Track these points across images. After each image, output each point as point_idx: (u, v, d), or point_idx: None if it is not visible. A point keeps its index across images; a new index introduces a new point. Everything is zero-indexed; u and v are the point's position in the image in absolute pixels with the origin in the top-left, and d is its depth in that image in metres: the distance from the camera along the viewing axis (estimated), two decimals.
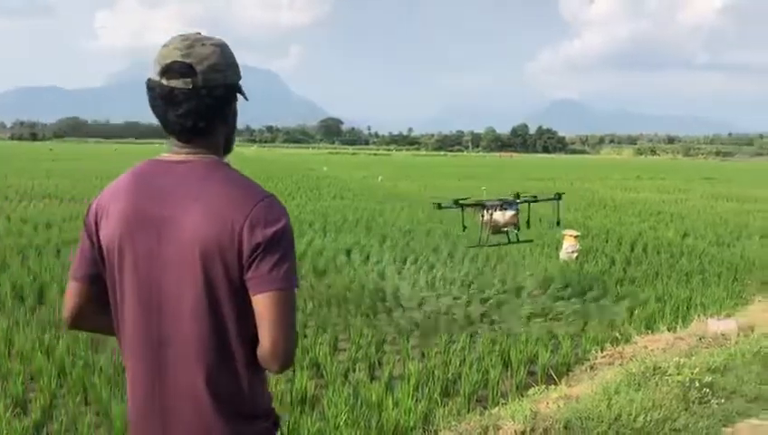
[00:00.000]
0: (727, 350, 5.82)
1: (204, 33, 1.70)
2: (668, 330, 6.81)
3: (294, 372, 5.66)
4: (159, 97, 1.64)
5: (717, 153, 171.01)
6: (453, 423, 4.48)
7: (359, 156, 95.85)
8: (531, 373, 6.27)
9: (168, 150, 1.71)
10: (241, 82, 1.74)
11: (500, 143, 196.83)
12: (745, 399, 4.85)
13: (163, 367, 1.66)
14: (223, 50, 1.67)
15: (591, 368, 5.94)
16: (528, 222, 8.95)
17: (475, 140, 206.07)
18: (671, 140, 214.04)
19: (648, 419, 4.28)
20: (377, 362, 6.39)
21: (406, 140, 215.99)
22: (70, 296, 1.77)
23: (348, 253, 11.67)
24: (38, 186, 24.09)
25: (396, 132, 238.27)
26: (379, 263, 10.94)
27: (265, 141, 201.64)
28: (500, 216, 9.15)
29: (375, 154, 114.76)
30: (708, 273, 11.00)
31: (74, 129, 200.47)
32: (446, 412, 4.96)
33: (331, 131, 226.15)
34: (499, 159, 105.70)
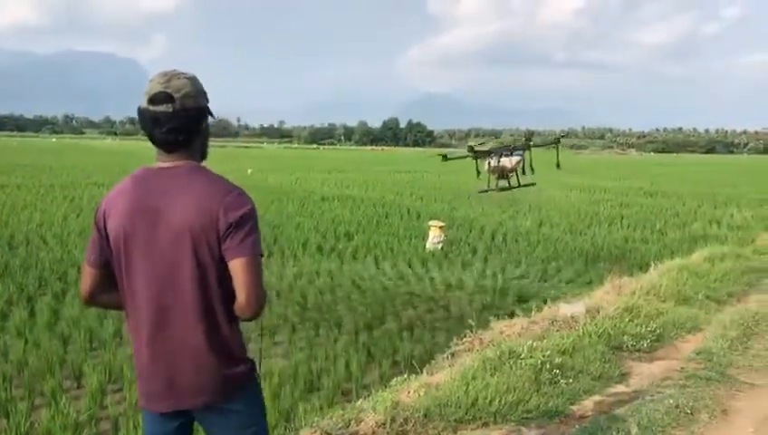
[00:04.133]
0: (576, 332, 6.16)
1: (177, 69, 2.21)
2: (524, 315, 7.12)
3: None
4: (148, 119, 2.13)
5: (572, 146, 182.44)
6: (315, 419, 4.41)
7: (227, 148, 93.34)
8: (395, 364, 6.35)
9: (157, 160, 2.19)
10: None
11: (372, 137, 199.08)
12: (591, 377, 5.14)
13: (164, 322, 2.14)
14: (193, 81, 2.18)
15: (452, 355, 6.08)
16: (531, 166, 9.06)
17: (348, 134, 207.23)
18: (531, 134, 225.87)
19: (503, 402, 4.42)
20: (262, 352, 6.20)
21: (278, 133, 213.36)
22: (85, 278, 2.27)
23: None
24: None
25: (267, 124, 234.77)
26: None
27: (128, 134, 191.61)
28: (507, 161, 9.23)
29: (246, 147, 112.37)
30: (562, 259, 11.67)
31: None
32: (309, 409, 4.90)
33: None
34: (371, 152, 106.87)
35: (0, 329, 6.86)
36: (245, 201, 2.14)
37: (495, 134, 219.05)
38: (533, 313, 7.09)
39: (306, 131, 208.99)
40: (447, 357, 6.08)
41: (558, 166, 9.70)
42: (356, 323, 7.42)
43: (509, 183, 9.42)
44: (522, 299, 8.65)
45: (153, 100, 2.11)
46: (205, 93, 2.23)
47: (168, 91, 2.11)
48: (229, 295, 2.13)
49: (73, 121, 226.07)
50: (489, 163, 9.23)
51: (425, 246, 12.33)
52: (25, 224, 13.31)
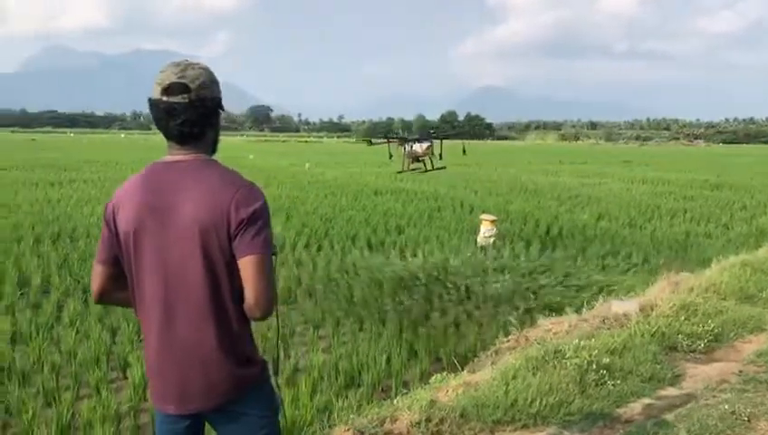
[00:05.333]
0: (627, 331, 5.90)
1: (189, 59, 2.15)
2: (574, 312, 6.88)
3: None
4: (162, 111, 2.06)
5: (637, 138, 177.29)
6: (351, 417, 4.35)
7: (288, 143, 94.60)
8: (438, 360, 6.23)
9: (168, 153, 2.13)
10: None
11: (430, 130, 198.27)
12: (641, 378, 4.90)
13: (172, 320, 2.09)
14: (208, 72, 2.12)
15: (496, 353, 5.92)
16: (440, 154, 10.30)
17: (406, 128, 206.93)
18: (594, 126, 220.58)
19: (544, 403, 4.26)
20: (282, 354, 6.20)
21: (337, 128, 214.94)
22: (95, 276, 2.22)
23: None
24: None
25: (326, 119, 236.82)
26: (294, 251, 10.72)
27: None
28: (418, 147, 10.90)
29: (305, 141, 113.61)
30: (619, 254, 11.27)
31: None
32: (346, 405, 4.83)
33: (261, 119, 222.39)
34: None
35: (55, 319, 7.05)
36: (257, 196, 2.09)
37: (556, 126, 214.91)
38: (584, 310, 6.85)
39: (364, 126, 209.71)
40: (491, 355, 5.94)
41: (440, 157, 10.70)
42: (401, 318, 7.32)
43: (424, 166, 10.81)
44: (572, 296, 8.36)
45: (168, 90, 2.05)
46: (218, 84, 2.18)
47: (184, 81, 2.05)
48: (241, 294, 2.08)
49: (141, 118, 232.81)
50: (404, 149, 10.71)
51: (476, 240, 12.12)
52: (87, 217, 13.71)
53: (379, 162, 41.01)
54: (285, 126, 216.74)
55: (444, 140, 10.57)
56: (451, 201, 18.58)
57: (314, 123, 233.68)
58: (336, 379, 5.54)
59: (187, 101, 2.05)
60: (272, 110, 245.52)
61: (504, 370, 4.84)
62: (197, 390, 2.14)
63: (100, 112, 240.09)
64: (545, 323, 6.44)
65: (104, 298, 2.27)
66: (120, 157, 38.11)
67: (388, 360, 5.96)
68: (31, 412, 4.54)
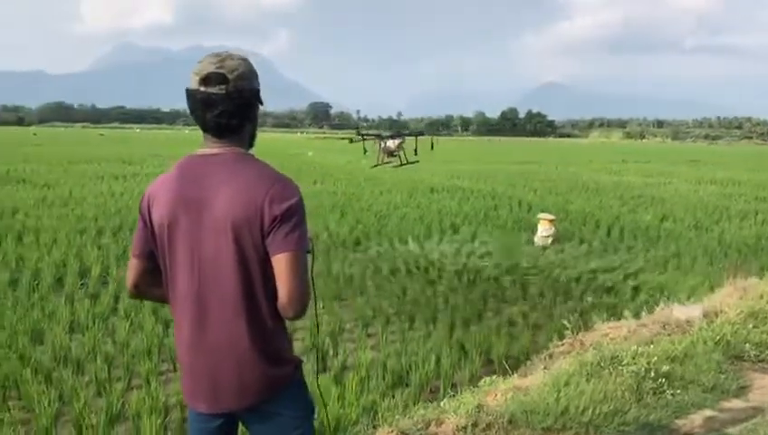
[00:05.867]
0: (690, 337, 5.61)
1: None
2: (633, 317, 6.61)
3: None
4: (200, 101, 2.01)
5: (706, 137, 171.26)
6: (396, 417, 4.25)
7: (347, 140, 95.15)
8: (489, 362, 6.08)
9: (203, 145, 2.09)
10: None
11: (489, 127, 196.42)
12: (702, 389, 4.64)
13: (205, 318, 2.04)
14: (247, 63, 2.06)
15: (549, 357, 5.72)
16: (415, 150, 11.12)
17: (465, 124, 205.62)
18: (660, 124, 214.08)
19: (597, 412, 4.06)
20: (331, 351, 6.15)
21: (395, 125, 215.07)
22: (130, 270, 2.18)
23: (316, 238, 11.41)
24: (13, 171, 23.62)
25: (385, 116, 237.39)
26: (347, 247, 10.70)
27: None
28: (391, 143, 11.70)
29: None
30: (684, 257, 10.83)
31: (59, 114, 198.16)
32: (392, 405, 4.74)
33: (320, 116, 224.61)
34: (488, 143, 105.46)
35: (111, 310, 7.20)
36: (292, 192, 2.02)
37: (621, 124, 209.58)
38: (643, 314, 6.57)
39: (422, 123, 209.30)
40: (544, 359, 5.75)
41: (415, 152, 11.34)
42: (452, 317, 7.18)
43: (399, 160, 11.54)
44: (632, 300, 8.05)
45: (206, 80, 1.99)
46: (257, 76, 2.12)
47: (222, 71, 1.99)
48: (275, 292, 2.01)
49: None
50: (380, 145, 11.55)
51: (533, 240, 11.86)
52: None
53: (436, 159, 40.81)
54: (344, 123, 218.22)
55: (418, 137, 11.55)
56: (509, 200, 18.28)
57: (372, 120, 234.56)
58: (383, 378, 5.45)
59: (224, 92, 1.99)
60: (331, 107, 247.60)
61: (556, 375, 4.66)
62: (229, 389, 2.08)
63: (165, 108, 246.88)
64: (602, 328, 6.20)
65: (139, 293, 2.23)
66: (182, 151, 38.95)
67: (438, 360, 5.84)
68: (83, 401, 4.62)
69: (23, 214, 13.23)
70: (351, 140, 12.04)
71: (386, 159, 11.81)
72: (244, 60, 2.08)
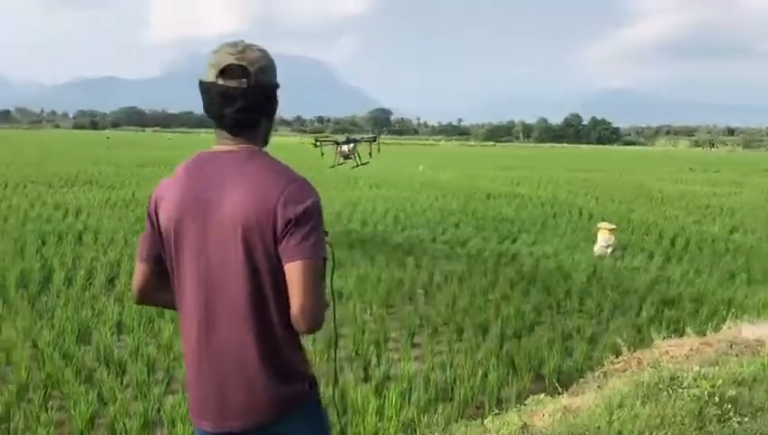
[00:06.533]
0: (760, 359, 5.19)
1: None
2: (696, 334, 6.19)
3: None
4: (216, 95, 1.85)
5: None
6: (435, 434, 4.05)
7: (405, 146, 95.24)
8: (539, 378, 5.78)
9: (216, 143, 1.94)
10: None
11: (552, 134, 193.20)
12: None
13: (211, 328, 1.88)
14: (267, 55, 1.91)
15: (604, 375, 5.39)
16: (370, 153, 12.27)
17: (527, 131, 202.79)
18: (731, 132, 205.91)
19: None
20: (374, 361, 5.97)
21: (455, 131, 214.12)
22: (137, 275, 2.03)
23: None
24: (83, 172, 24.39)
25: (445, 122, 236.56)
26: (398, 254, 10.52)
27: (315, 132, 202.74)
28: (346, 148, 13.25)
29: (423, 144, 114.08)
30: (754, 271, 10.21)
31: (131, 118, 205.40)
32: (433, 422, 4.52)
33: (380, 122, 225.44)
34: (550, 149, 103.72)
35: (158, 312, 7.20)
36: (309, 193, 1.86)
37: (689, 132, 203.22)
38: (708, 331, 6.15)
39: (483, 129, 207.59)
40: (598, 377, 5.42)
41: (370, 155, 12.68)
42: (503, 329, 6.90)
43: (356, 162, 12.80)
44: (695, 316, 7.58)
45: (225, 72, 1.84)
46: (275, 69, 1.96)
47: (243, 63, 1.84)
48: (287, 302, 1.85)
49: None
50: (337, 148, 13.03)
51: (593, 249, 11.41)
52: None
53: (497, 165, 40.27)
54: (404, 129, 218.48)
55: (372, 142, 13.03)
56: (568, 207, 17.76)
57: (433, 126, 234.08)
58: (426, 391, 5.23)
59: (245, 85, 1.84)
60: (391, 113, 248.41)
61: (609, 396, 4.35)
62: (237, 406, 1.92)
63: None
64: (662, 345, 5.82)
65: (145, 299, 2.09)
66: None
67: (485, 374, 5.59)
68: (119, 403, 4.57)
69: (86, 214, 13.57)
70: (316, 145, 13.37)
71: (341, 161, 13.31)
72: (264, 51, 1.93)
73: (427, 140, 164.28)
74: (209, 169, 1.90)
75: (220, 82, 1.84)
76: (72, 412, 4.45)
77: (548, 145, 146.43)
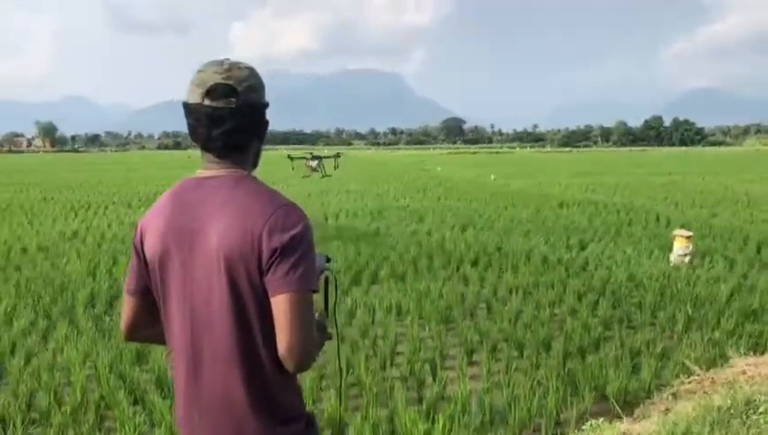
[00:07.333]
0: None
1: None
2: None
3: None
4: (203, 117, 1.75)
5: None
6: None
7: (479, 155, 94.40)
8: (603, 399, 5.42)
9: (201, 167, 1.84)
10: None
11: (632, 137, 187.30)
12: None
13: (198, 368, 1.77)
14: (255, 73, 1.81)
15: (673, 396, 5.00)
16: (335, 167, 16.66)
17: (605, 135, 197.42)
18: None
19: None
20: (428, 380, 5.77)
21: (530, 137, 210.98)
22: (125, 310, 1.94)
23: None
24: (161, 192, 25.26)
25: (520, 129, 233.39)
26: (462, 267, 10.27)
27: (389, 144, 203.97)
28: (312, 162, 19.43)
29: (497, 152, 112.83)
30: None
31: None
32: None
33: (453, 131, 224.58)
34: (629, 153, 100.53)
35: None
36: (296, 220, 1.73)
37: None
38: None
39: (560, 134, 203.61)
40: (666, 398, 5.04)
41: (335, 168, 16.55)
42: (567, 345, 6.56)
43: (321, 174, 15.39)
44: None
45: (211, 93, 1.74)
46: (264, 88, 1.87)
47: (230, 82, 1.74)
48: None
49: (343, 134, 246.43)
50: (306, 163, 18.92)
51: (669, 258, 10.81)
52: None
53: (571, 172, 39.23)
54: (478, 137, 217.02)
55: (336, 158, 14.89)
56: (645, 214, 16.99)
57: (507, 134, 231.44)
58: (482, 412, 5.00)
59: (233, 106, 1.74)
60: (464, 122, 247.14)
61: (674, 421, 4.01)
62: None
63: (308, 130, 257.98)
64: (739, 363, 5.37)
65: (135, 335, 1.99)
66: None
67: (545, 394, 5.30)
68: (165, 426, 4.56)
69: None
70: (290, 158, 16.43)
71: (309, 173, 14.40)
72: (252, 69, 1.83)
73: (501, 147, 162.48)
74: (193, 197, 1.79)
75: (206, 102, 1.75)
76: (119, 434, 4.48)
77: (627, 149, 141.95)
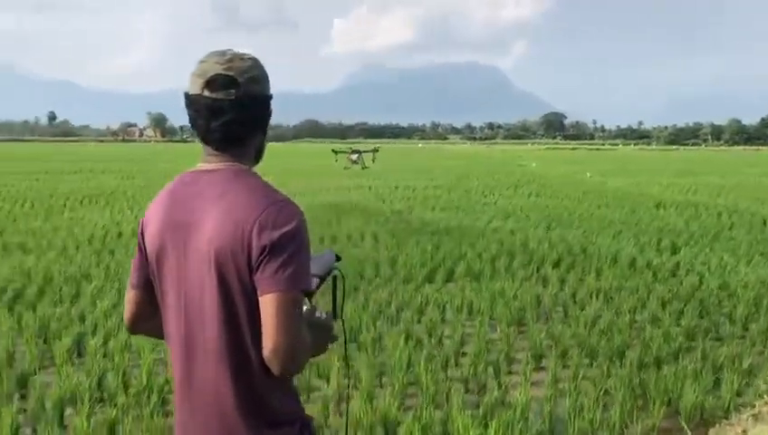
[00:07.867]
0: None
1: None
2: None
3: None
4: (203, 108, 1.72)
5: None
6: None
7: (578, 151, 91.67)
8: (676, 414, 5.08)
9: (201, 160, 1.82)
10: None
11: (746, 136, 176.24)
12: None
13: (192, 364, 1.75)
14: (258, 64, 1.78)
15: (754, 417, 4.61)
16: (373, 160, 18.80)
17: (716, 133, 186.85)
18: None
19: None
20: (490, 384, 5.60)
21: (635, 134, 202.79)
22: (128, 302, 1.93)
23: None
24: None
25: (624, 126, 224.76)
26: (542, 267, 9.95)
27: (486, 138, 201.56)
28: (353, 156, 25.93)
29: (597, 149, 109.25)
30: None
31: (310, 130, 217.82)
32: None
33: (554, 126, 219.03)
34: (743, 152, 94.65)
35: None
36: (288, 217, 1.67)
37: None
38: None
39: (666, 132, 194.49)
40: (746, 419, 4.65)
41: (373, 162, 19.99)
42: (643, 354, 6.19)
43: (361, 166, 19.37)
44: None
45: (211, 83, 1.71)
46: (269, 79, 1.82)
47: (231, 73, 1.71)
48: None
49: (439, 128, 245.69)
50: (348, 157, 26.28)
51: None
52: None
53: (675, 171, 37.38)
54: (579, 133, 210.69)
55: (375, 153, 16.34)
56: (750, 217, 15.93)
57: (610, 130, 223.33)
58: (539, 419, 4.80)
59: (233, 97, 1.70)
60: (565, 117, 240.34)
61: None
62: None
63: (403, 123, 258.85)
64: None
65: (137, 328, 1.98)
66: (416, 163, 40.21)
67: (611, 405, 5.02)
68: None
69: None
70: (335, 152, 16.27)
71: (350, 165, 17.19)
72: (255, 60, 1.79)
73: (602, 144, 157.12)
74: (190, 190, 1.77)
75: (206, 93, 1.71)
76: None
77: (740, 148, 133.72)
